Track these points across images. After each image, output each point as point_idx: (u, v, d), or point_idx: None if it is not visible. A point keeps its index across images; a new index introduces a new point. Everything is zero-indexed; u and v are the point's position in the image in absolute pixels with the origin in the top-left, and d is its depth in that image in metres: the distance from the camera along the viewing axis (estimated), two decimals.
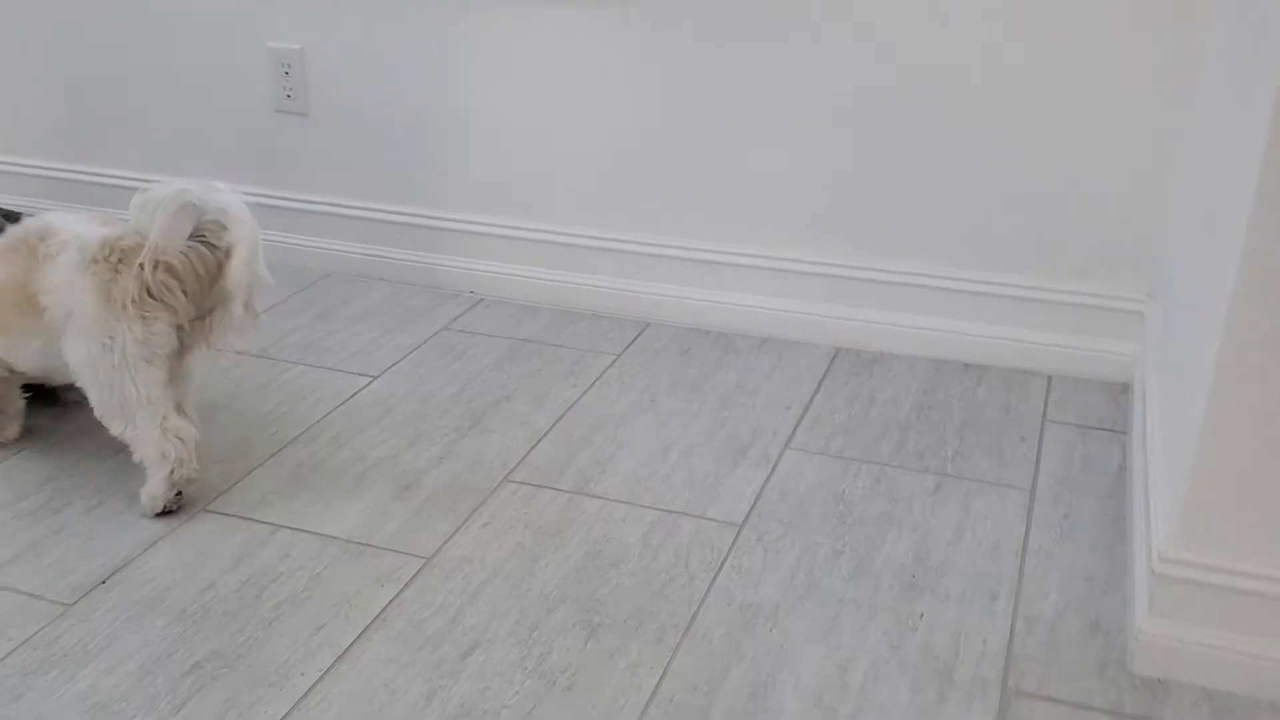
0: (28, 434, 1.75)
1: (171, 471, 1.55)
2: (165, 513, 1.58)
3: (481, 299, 2.23)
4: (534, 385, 1.91)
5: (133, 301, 1.50)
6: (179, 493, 1.58)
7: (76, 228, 1.57)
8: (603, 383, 1.92)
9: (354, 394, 1.88)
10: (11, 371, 1.66)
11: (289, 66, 2.21)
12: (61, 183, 2.49)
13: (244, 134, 2.31)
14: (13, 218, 1.81)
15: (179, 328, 1.54)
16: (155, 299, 1.51)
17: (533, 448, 1.73)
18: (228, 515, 1.57)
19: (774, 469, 1.68)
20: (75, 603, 1.40)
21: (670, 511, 1.58)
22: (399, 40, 2.14)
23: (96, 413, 1.57)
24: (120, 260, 1.51)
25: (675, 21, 1.97)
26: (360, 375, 1.94)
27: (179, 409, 1.59)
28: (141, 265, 1.50)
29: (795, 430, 1.79)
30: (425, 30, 2.11)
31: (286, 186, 2.33)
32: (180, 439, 1.55)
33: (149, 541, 1.51)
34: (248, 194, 2.39)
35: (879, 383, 1.93)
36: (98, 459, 1.69)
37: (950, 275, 1.98)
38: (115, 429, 1.57)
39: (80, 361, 1.54)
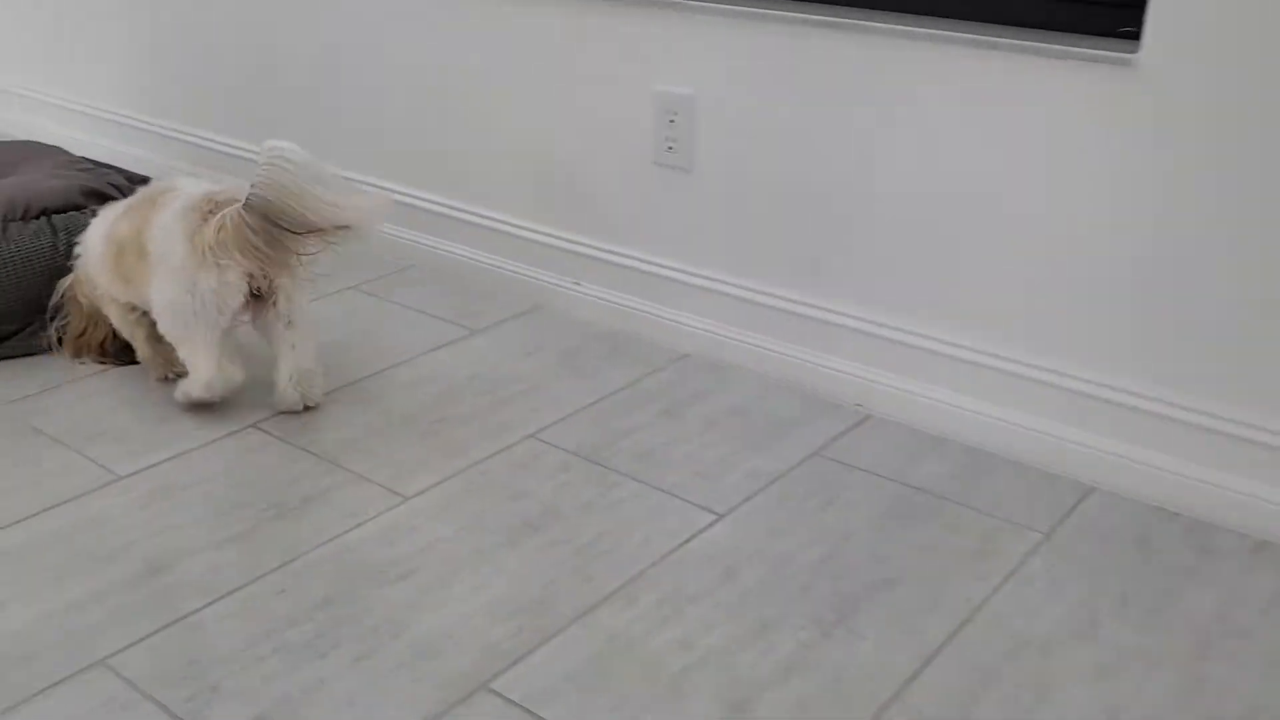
0: (318, 546, 1.49)
1: (207, 386, 1.70)
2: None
3: (869, 416, 1.78)
4: (927, 566, 1.44)
5: (210, 249, 1.60)
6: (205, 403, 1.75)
7: (193, 186, 1.71)
8: (1022, 578, 1.42)
9: (691, 537, 1.49)
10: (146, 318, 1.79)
11: (675, 114, 1.85)
12: (419, 211, 2.29)
13: (615, 186, 1.99)
14: (138, 180, 2.08)
15: (251, 278, 1.65)
16: (231, 249, 1.60)
17: (918, 674, 1.26)
18: (510, 702, 1.22)
19: None
20: None
21: None
22: (807, 95, 1.72)
23: (162, 332, 1.72)
24: (211, 211, 1.63)
25: (1203, 102, 1.42)
26: (702, 509, 1.55)
27: (292, 347, 1.73)
28: (224, 216, 1.61)
29: None
30: (840, 87, 1.68)
31: (654, 250, 1.98)
32: (228, 378, 1.71)
33: None
34: (609, 251, 2.08)
35: None
36: (382, 583, 1.40)
37: None
38: (180, 353, 1.72)
39: (164, 303, 1.67)
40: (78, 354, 1.91)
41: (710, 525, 1.52)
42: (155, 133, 2.69)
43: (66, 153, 2.27)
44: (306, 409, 1.76)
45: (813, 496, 1.58)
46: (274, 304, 1.70)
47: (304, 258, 1.65)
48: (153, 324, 1.75)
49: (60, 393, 1.82)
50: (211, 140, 2.62)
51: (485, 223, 2.19)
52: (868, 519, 1.53)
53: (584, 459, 1.66)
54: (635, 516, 1.53)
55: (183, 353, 1.72)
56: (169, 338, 1.72)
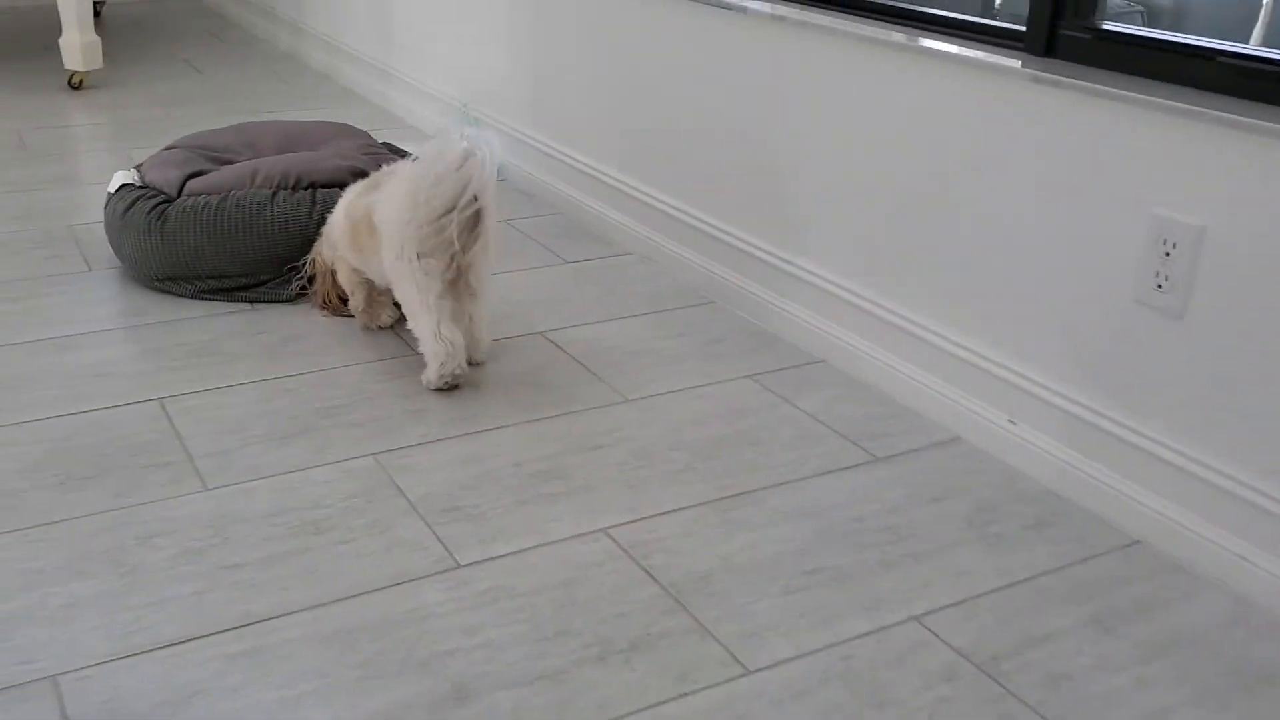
0: (634, 712, 1.27)
1: (441, 365, 1.85)
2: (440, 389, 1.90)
3: None
4: None
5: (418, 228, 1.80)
6: (451, 385, 1.89)
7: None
8: None
9: None
10: (374, 286, 2.04)
11: (1172, 246, 1.44)
12: (837, 300, 2.01)
13: (1079, 317, 1.60)
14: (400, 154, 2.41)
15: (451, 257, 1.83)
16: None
17: None
18: None
19: None
20: None
21: None
22: None
23: (398, 299, 1.92)
24: None
25: None
26: None
27: (470, 317, 1.91)
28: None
29: None
30: None
31: (1116, 401, 1.57)
32: (450, 343, 1.84)
33: None
34: (1057, 392, 1.70)
35: None
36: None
37: None
38: (409, 324, 1.91)
39: (388, 267, 1.87)
40: (319, 304, 2.16)
41: None
42: (624, 192, 2.62)
43: (370, 137, 2.54)
44: (455, 378, 1.89)
45: None
46: (465, 277, 1.87)
47: (480, 235, 1.81)
48: (372, 284, 2.02)
49: (432, 450, 1.74)
50: (680, 210, 2.51)
51: (907, 325, 1.88)
52: None
53: (977, 667, 1.31)
54: None
55: (410, 324, 1.90)
56: (404, 307, 1.90)
